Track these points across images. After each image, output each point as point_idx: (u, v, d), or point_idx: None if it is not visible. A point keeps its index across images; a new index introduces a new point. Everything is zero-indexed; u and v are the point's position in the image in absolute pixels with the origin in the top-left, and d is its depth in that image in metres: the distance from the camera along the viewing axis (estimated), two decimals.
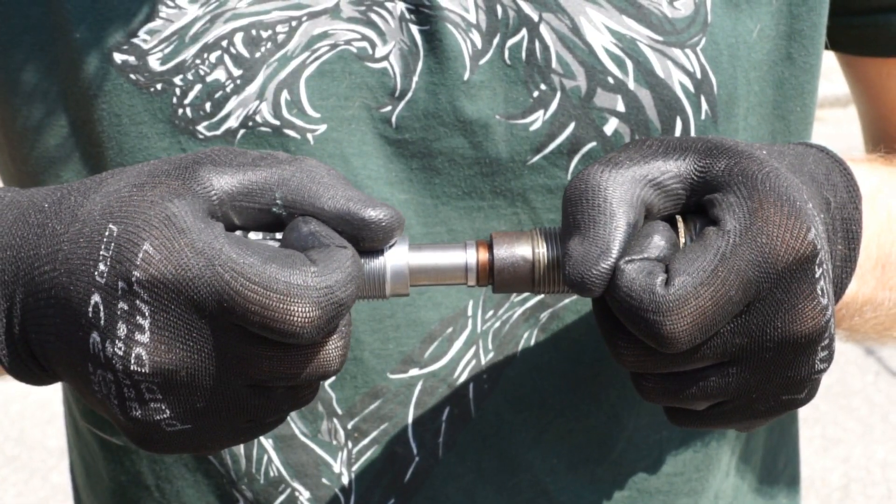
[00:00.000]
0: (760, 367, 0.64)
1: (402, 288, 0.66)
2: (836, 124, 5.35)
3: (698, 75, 0.78)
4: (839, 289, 0.71)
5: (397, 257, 0.65)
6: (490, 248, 0.67)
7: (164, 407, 0.62)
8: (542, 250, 0.66)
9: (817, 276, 0.62)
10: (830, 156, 0.71)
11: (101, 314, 0.60)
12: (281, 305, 0.58)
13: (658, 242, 0.63)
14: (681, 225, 0.65)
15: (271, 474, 0.84)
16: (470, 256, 0.67)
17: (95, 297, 0.60)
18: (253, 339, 0.61)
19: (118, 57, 0.77)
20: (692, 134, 0.79)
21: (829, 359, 0.65)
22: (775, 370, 0.64)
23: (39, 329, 0.64)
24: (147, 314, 0.59)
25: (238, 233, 0.65)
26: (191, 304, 0.59)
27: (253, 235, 0.67)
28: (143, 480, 0.88)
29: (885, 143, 0.94)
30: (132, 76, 0.77)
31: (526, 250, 0.66)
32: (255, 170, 0.64)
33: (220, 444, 0.66)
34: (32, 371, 0.67)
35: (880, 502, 3.36)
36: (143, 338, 0.60)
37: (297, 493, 0.84)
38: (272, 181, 0.63)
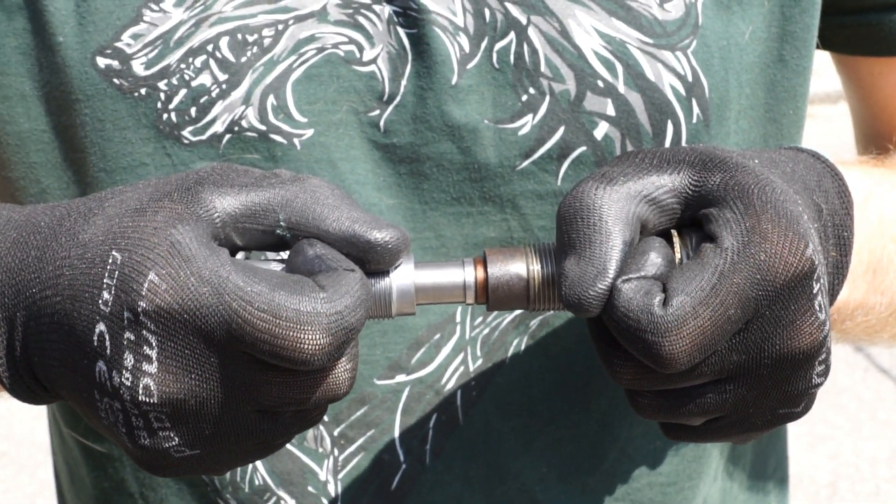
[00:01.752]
0: (758, 383, 0.63)
1: (408, 307, 0.65)
2: (827, 121, 5.35)
3: (689, 78, 0.78)
4: (831, 296, 0.70)
5: (403, 277, 0.65)
6: (485, 265, 0.66)
7: (172, 435, 0.61)
8: (536, 267, 0.66)
9: (815, 291, 0.61)
10: (822, 161, 0.71)
11: (107, 343, 0.59)
12: (291, 333, 0.58)
13: (654, 260, 0.62)
14: (676, 240, 0.64)
15: (256, 482, 0.83)
16: (468, 275, 0.66)
17: (101, 326, 0.59)
18: (262, 366, 0.60)
19: (101, 61, 0.76)
20: (684, 138, 0.78)
21: (825, 372, 0.65)
22: (773, 386, 0.64)
23: (42, 353, 0.63)
24: (154, 344, 0.59)
25: (241, 254, 0.64)
26: (199, 334, 0.59)
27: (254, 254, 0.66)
28: (126, 488, 0.87)
29: (876, 142, 0.94)
30: (116, 81, 0.76)
31: (520, 268, 0.66)
32: (257, 190, 0.63)
33: (229, 467, 0.66)
34: (35, 392, 0.66)
35: (868, 499, 3.36)
36: (151, 368, 0.59)
37: (282, 502, 0.83)
38: (275, 202, 0.63)
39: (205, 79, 0.76)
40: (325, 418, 0.82)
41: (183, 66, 0.76)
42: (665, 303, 0.60)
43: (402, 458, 0.83)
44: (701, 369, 0.62)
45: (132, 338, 0.59)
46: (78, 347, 0.61)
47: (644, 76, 0.77)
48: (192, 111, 0.76)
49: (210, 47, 0.76)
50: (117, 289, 0.59)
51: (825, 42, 0.89)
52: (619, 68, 0.77)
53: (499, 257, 0.66)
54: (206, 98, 0.76)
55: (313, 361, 0.59)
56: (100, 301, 0.59)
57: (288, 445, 0.82)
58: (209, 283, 0.58)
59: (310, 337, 0.58)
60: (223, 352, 0.59)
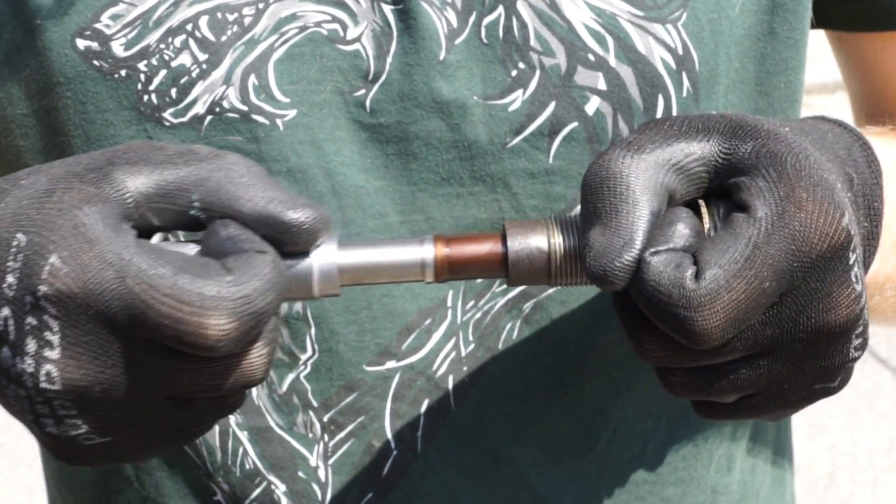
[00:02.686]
0: (793, 357, 0.62)
1: (331, 288, 0.64)
2: (824, 111, 5.33)
3: (680, 51, 0.76)
4: (864, 267, 0.68)
5: (324, 257, 0.63)
6: (449, 242, 0.65)
7: (80, 423, 0.60)
8: (558, 240, 0.64)
9: (851, 262, 0.60)
10: (849, 130, 0.69)
11: (11, 328, 0.58)
12: (194, 318, 0.56)
13: (682, 231, 0.60)
14: (704, 210, 0.62)
15: (247, 467, 0.82)
16: (427, 252, 0.64)
17: (5, 311, 0.58)
18: (169, 352, 0.59)
19: (81, 43, 0.75)
20: (674, 112, 0.77)
21: (863, 346, 0.63)
22: (808, 360, 0.62)
23: None
24: (56, 329, 0.57)
25: (158, 236, 0.62)
26: (101, 319, 0.57)
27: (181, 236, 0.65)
28: (123, 471, 0.86)
29: (879, 121, 0.92)
30: (96, 62, 0.75)
31: (541, 241, 0.64)
32: (171, 169, 0.61)
33: (147, 454, 0.65)
34: None
35: (866, 489, 3.36)
36: (53, 354, 0.58)
37: (273, 487, 0.82)
38: (189, 181, 0.61)
39: (185, 59, 0.74)
40: (315, 404, 0.81)
41: (162, 46, 0.75)
42: (697, 276, 0.58)
43: (392, 444, 0.82)
44: (734, 344, 0.60)
45: (34, 322, 0.57)
46: None
47: (635, 49, 0.76)
48: (173, 92, 0.75)
49: (189, 27, 0.74)
50: (21, 272, 0.57)
51: (825, 21, 0.88)
52: (610, 41, 0.75)
53: (518, 230, 0.64)
54: (186, 78, 0.75)
55: (218, 347, 0.57)
56: (4, 284, 0.58)
57: (278, 430, 0.81)
58: (112, 267, 0.57)
59: (214, 322, 0.56)
60: (128, 338, 0.58)
